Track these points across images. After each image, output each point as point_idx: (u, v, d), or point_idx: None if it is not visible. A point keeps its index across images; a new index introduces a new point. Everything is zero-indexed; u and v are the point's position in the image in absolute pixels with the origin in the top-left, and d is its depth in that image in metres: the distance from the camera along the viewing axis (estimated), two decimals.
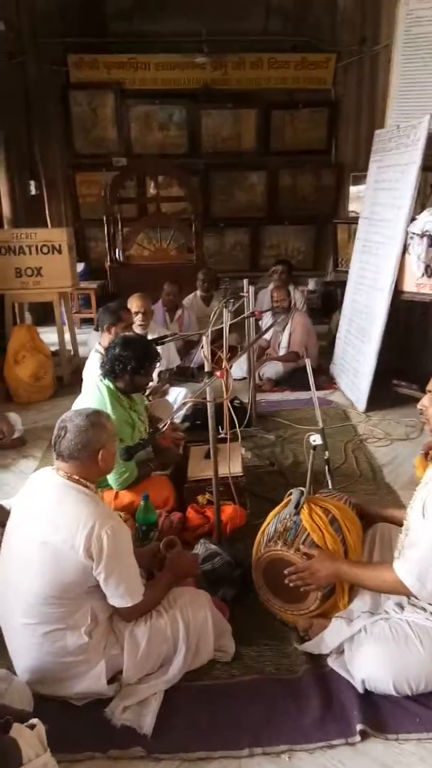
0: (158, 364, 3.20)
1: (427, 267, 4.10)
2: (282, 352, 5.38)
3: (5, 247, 5.28)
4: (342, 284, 5.81)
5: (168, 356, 4.69)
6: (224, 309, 3.15)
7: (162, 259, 6.91)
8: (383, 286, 4.44)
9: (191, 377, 4.85)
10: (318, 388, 4.52)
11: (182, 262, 6.76)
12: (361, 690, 1.98)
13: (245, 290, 4.12)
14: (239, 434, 3.01)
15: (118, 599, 1.96)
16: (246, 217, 8.81)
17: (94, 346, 3.87)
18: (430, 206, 4.34)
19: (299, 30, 8.19)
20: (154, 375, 3.55)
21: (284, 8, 8.14)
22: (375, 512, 2.51)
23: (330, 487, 3.05)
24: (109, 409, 2.81)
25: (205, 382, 2.51)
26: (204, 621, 2.10)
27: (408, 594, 1.93)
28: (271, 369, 5.30)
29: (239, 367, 5.17)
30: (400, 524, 2.17)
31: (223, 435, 3.14)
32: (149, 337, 3.84)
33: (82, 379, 3.76)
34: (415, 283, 4.23)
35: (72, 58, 7.90)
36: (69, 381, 5.42)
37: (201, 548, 2.62)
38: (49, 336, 5.88)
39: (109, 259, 6.66)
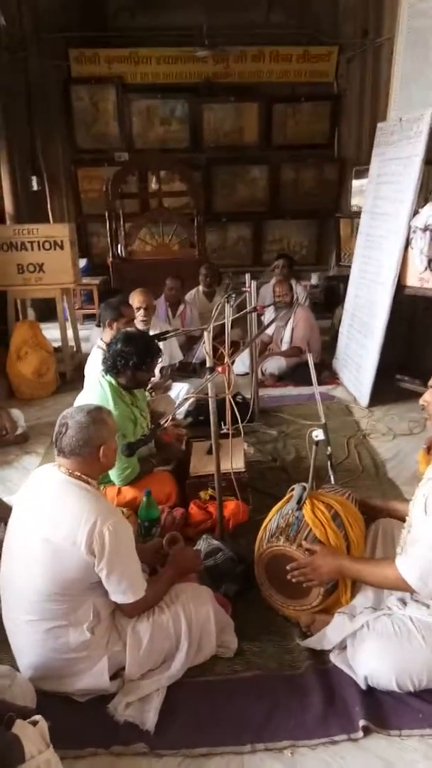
0: (160, 360, 3.20)
1: (430, 261, 4.07)
2: (284, 347, 5.36)
3: (7, 243, 5.27)
4: (345, 279, 5.78)
5: (170, 352, 4.68)
6: (226, 304, 3.15)
7: (164, 254, 6.89)
8: (386, 280, 4.42)
9: (193, 373, 4.85)
10: (321, 383, 4.50)
11: (184, 258, 6.74)
12: (363, 686, 1.97)
13: (247, 285, 4.10)
14: (242, 430, 3.01)
15: (120, 595, 1.96)
16: (248, 212, 8.79)
17: (96, 342, 3.87)
18: None
19: (301, 23, 8.14)
20: (156, 371, 3.54)
21: (286, 1, 8.08)
22: (378, 506, 2.50)
23: (332, 482, 3.04)
24: (111, 405, 2.81)
25: (206, 377, 2.51)
26: (206, 617, 2.10)
27: (410, 591, 1.92)
28: (274, 364, 5.29)
29: (242, 363, 5.16)
30: (403, 519, 2.16)
31: (225, 430, 3.15)
32: (151, 333, 3.84)
33: (84, 375, 3.76)
34: (417, 278, 4.21)
35: (73, 52, 7.88)
36: (72, 377, 5.42)
37: (203, 544, 2.62)
38: (51, 332, 5.88)
39: (111, 255, 6.65)
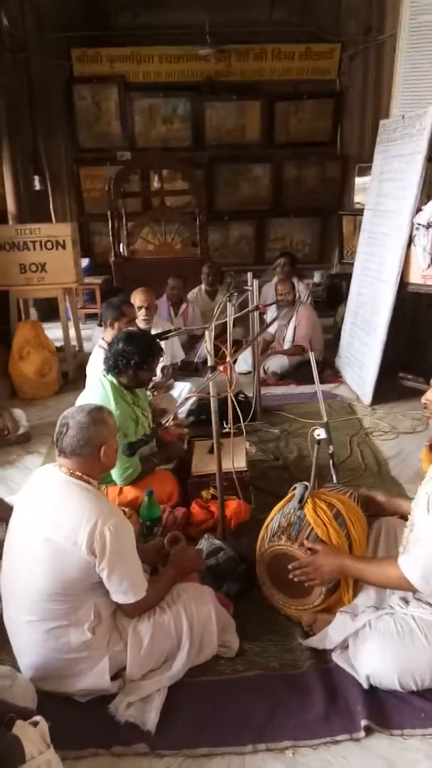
0: (161, 359, 3.19)
1: None
2: (287, 345, 5.35)
3: (9, 243, 5.27)
4: (347, 276, 5.77)
5: (172, 351, 4.68)
6: (228, 303, 3.14)
7: (166, 253, 6.88)
8: (388, 277, 4.40)
9: (195, 372, 4.84)
10: (323, 382, 4.49)
11: (187, 256, 6.73)
12: (365, 685, 1.97)
13: (249, 284, 4.09)
14: (244, 428, 3.00)
15: (121, 595, 1.95)
16: (251, 210, 8.78)
17: (98, 342, 3.87)
18: None
19: (303, 20, 8.11)
20: (158, 370, 3.54)
21: None
22: (383, 501, 2.48)
23: (335, 481, 3.03)
24: (112, 405, 2.80)
25: (208, 376, 2.50)
26: (208, 616, 2.09)
27: (412, 590, 1.92)
28: (277, 363, 5.28)
29: (244, 361, 5.15)
30: (406, 518, 2.15)
31: (227, 429, 3.14)
32: (153, 332, 3.84)
33: (86, 375, 3.76)
34: (420, 275, 4.19)
35: (75, 51, 7.89)
36: (74, 377, 5.42)
37: (205, 543, 2.61)
38: (54, 332, 5.89)
39: (113, 254, 6.64)
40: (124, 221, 6.85)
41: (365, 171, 6.72)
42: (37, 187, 7.55)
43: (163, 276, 5.61)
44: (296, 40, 8.08)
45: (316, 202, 8.76)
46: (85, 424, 1.97)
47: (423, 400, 2.16)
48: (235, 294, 3.38)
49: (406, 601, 2.01)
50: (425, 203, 4.14)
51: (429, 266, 4.09)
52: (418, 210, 4.14)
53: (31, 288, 5.48)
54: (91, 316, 7.77)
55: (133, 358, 2.88)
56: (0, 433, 4.07)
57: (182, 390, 4.34)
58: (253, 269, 4.55)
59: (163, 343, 3.13)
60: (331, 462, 3.10)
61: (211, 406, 2.63)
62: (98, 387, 2.96)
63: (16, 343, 5.17)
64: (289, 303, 5.29)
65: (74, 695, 1.98)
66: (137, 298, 4.30)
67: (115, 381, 2.95)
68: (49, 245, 5.31)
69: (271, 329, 5.42)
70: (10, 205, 6.34)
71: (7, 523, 2.13)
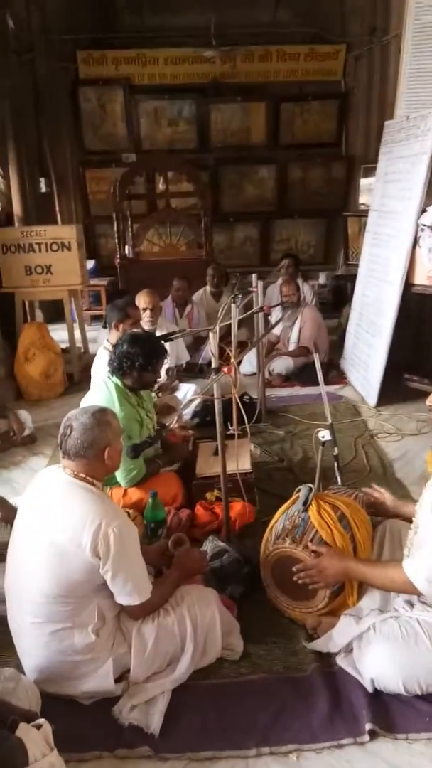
0: (166, 361, 3.19)
1: None
2: (292, 347, 5.34)
3: (15, 245, 5.29)
4: (353, 278, 5.76)
5: (177, 353, 4.68)
6: (232, 304, 3.14)
7: (172, 254, 6.89)
8: (394, 279, 4.39)
9: (200, 373, 4.84)
10: (328, 383, 4.50)
11: (192, 258, 6.72)
12: (370, 689, 1.96)
13: (254, 285, 4.09)
14: (248, 430, 2.99)
15: (125, 597, 1.95)
16: (256, 212, 8.77)
17: (102, 343, 3.87)
18: None
19: (308, 21, 8.11)
20: (162, 371, 3.54)
21: None
22: (387, 502, 2.47)
23: (339, 483, 3.02)
24: (116, 407, 2.80)
25: (212, 378, 2.50)
26: (212, 619, 2.09)
27: (417, 594, 1.91)
28: (282, 364, 5.27)
29: (249, 363, 5.15)
30: (409, 520, 2.14)
31: (232, 431, 3.14)
32: (158, 334, 3.84)
33: (91, 376, 3.76)
34: (426, 276, 4.18)
35: (81, 54, 7.91)
36: (79, 378, 5.43)
37: (209, 545, 2.61)
38: (59, 333, 5.90)
39: (118, 256, 6.65)
40: (129, 223, 6.87)
41: (370, 172, 6.70)
42: (43, 189, 7.58)
43: (168, 278, 5.62)
44: (301, 42, 8.08)
45: (322, 203, 8.75)
46: (89, 425, 1.97)
47: (428, 401, 2.15)
48: (240, 295, 3.38)
49: (411, 605, 2.00)
50: (430, 204, 4.13)
51: None
52: (423, 211, 4.13)
53: (37, 290, 5.49)
54: (96, 318, 7.78)
55: (138, 360, 2.88)
56: (5, 435, 4.08)
57: (187, 391, 4.34)
58: (258, 271, 4.55)
59: (167, 345, 3.13)
60: (335, 464, 3.09)
61: (216, 407, 2.63)
62: (102, 389, 2.96)
63: (22, 345, 5.18)
64: (293, 304, 5.28)
65: (78, 697, 1.98)
66: (142, 299, 4.30)
67: (119, 383, 2.95)
68: (54, 247, 5.32)
69: (276, 330, 5.41)
70: (16, 207, 6.35)
71: (11, 524, 2.13)
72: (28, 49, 6.95)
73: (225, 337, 3.29)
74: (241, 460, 2.97)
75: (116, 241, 6.67)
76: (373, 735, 1.84)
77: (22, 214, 6.40)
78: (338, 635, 2.10)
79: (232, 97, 8.22)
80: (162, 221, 7.10)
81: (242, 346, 3.84)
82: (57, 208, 7.93)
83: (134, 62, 8.00)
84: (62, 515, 1.91)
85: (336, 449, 3.08)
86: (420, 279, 4.22)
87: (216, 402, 2.61)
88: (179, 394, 4.31)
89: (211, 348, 2.66)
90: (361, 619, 2.06)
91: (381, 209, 4.95)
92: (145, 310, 4.24)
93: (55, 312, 7.09)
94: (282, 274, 6.11)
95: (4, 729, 1.48)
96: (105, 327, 4.11)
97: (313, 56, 8.11)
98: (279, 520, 2.33)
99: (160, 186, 7.33)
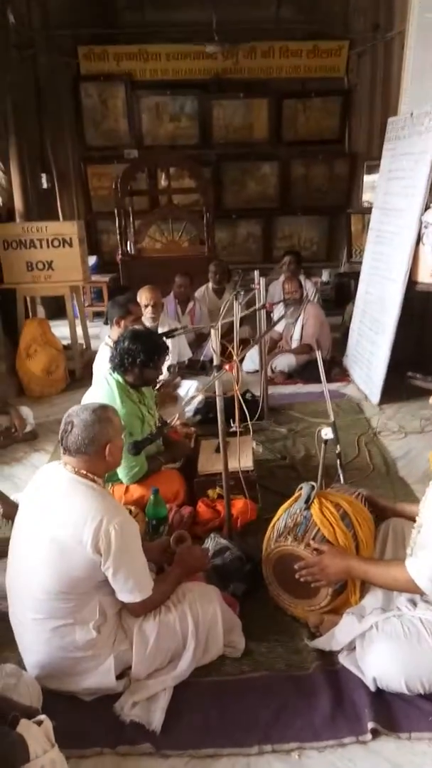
0: (168, 358, 3.17)
1: None
2: (295, 344, 5.33)
3: (16, 241, 5.28)
4: (356, 275, 5.74)
5: (179, 349, 4.67)
6: (235, 301, 3.12)
7: (174, 251, 6.87)
8: (397, 276, 4.37)
9: (202, 370, 4.83)
10: (331, 381, 4.49)
11: (194, 255, 6.71)
12: (372, 688, 1.95)
13: (256, 282, 4.07)
14: (251, 428, 2.99)
15: (126, 594, 1.95)
16: (258, 208, 8.75)
17: (104, 340, 3.86)
18: None
19: (311, 17, 8.08)
20: (164, 368, 3.53)
21: None
22: (386, 506, 2.46)
23: (342, 481, 3.02)
24: (118, 403, 2.80)
25: (213, 375, 2.49)
26: (213, 616, 2.08)
27: (419, 593, 1.90)
28: (284, 361, 5.26)
29: (251, 360, 5.13)
30: (413, 519, 2.13)
31: (234, 428, 3.13)
32: (160, 330, 3.83)
33: (93, 373, 3.75)
34: (429, 274, 4.15)
35: (82, 49, 7.89)
36: (81, 374, 5.42)
37: (211, 543, 2.60)
38: (61, 330, 5.89)
39: (120, 252, 6.64)
40: (131, 219, 6.85)
41: (374, 169, 6.68)
42: (45, 185, 7.56)
43: (170, 274, 5.61)
44: (304, 38, 8.04)
45: (324, 200, 8.73)
46: (90, 422, 1.96)
47: (431, 399, 2.14)
48: (242, 292, 3.36)
49: (413, 603, 1.99)
50: None
51: None
52: (427, 208, 4.11)
53: (38, 286, 5.48)
54: (98, 314, 7.77)
55: (139, 357, 2.87)
56: (7, 431, 4.08)
57: (189, 388, 4.33)
58: (261, 267, 4.53)
59: (169, 342, 3.12)
60: (338, 462, 3.08)
61: (218, 405, 2.62)
62: (104, 385, 2.95)
63: (23, 341, 5.17)
64: (296, 301, 5.27)
65: (79, 694, 1.98)
66: (143, 295, 4.29)
67: (120, 379, 2.94)
68: (55, 243, 5.30)
69: (279, 328, 5.40)
70: (18, 203, 6.35)
71: (12, 520, 2.12)
72: (29, 44, 6.93)
73: (227, 334, 3.27)
74: (243, 458, 2.95)
75: (118, 237, 6.66)
76: (375, 734, 1.83)
77: (23, 210, 6.39)
78: (341, 634, 2.09)
79: (235, 93, 8.20)
80: (164, 217, 7.08)
81: (244, 344, 3.82)
82: (58, 204, 7.91)
83: (136, 58, 7.98)
84: (63, 512, 1.90)
85: (338, 447, 3.07)
86: (423, 277, 4.21)
87: (218, 399, 2.60)
88: (181, 391, 4.30)
89: (213, 345, 2.64)
90: (364, 618, 2.05)
91: (384, 206, 4.93)
92: (146, 306, 4.23)
93: (56, 308, 7.08)
94: (284, 271, 6.09)
95: (5, 725, 1.48)
96: (106, 323, 4.10)
97: (315, 53, 8.08)
98: (281, 518, 2.32)
99: (162, 182, 7.30)
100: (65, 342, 5.66)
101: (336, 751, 1.80)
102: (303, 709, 1.93)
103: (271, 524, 2.35)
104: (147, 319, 4.22)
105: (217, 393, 2.57)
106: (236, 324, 3.11)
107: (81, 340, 5.96)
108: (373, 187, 6.45)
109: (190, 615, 2.04)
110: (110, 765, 1.79)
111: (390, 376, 4.47)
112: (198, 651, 2.05)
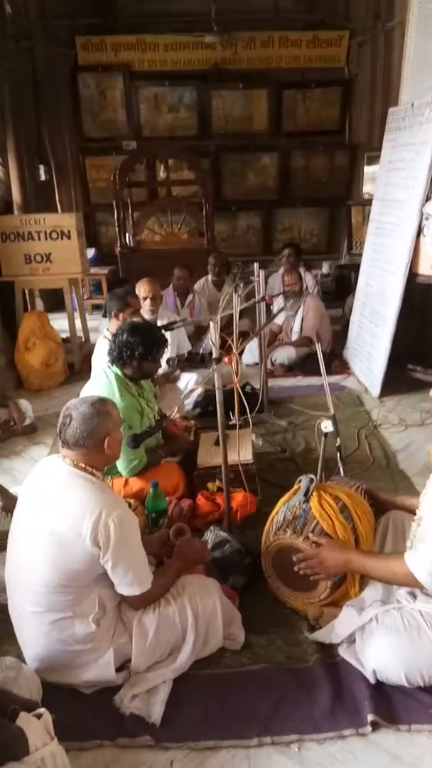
0: (166, 350, 3.16)
1: None
2: (294, 337, 5.31)
3: (14, 233, 5.25)
4: (356, 267, 5.72)
5: (178, 342, 4.65)
6: (234, 294, 3.11)
7: (173, 243, 6.84)
8: (397, 268, 4.35)
9: (201, 363, 4.82)
10: (331, 373, 4.48)
11: (193, 247, 6.68)
12: (372, 680, 1.95)
13: (256, 274, 4.05)
14: (250, 420, 2.98)
15: (126, 587, 1.94)
16: (258, 200, 8.71)
17: (103, 332, 3.85)
18: None
19: (311, 7, 8.01)
20: (163, 361, 3.51)
21: None
22: (385, 499, 2.46)
23: (342, 474, 3.01)
24: (117, 396, 2.79)
25: (212, 368, 2.47)
26: (213, 609, 2.08)
27: (419, 587, 1.89)
28: (284, 354, 5.24)
29: (251, 352, 5.12)
30: (413, 512, 2.12)
31: (233, 421, 3.12)
32: (159, 323, 3.81)
33: (92, 366, 3.74)
34: (430, 266, 4.13)
35: (80, 40, 7.82)
36: (80, 367, 5.41)
37: (211, 535, 2.60)
38: (60, 322, 5.87)
39: (119, 244, 6.61)
40: (130, 211, 6.82)
41: (374, 160, 6.64)
42: (42, 177, 7.52)
43: (169, 266, 5.58)
44: (304, 28, 7.97)
45: (325, 191, 8.68)
46: (89, 415, 1.95)
47: None
48: (242, 285, 3.35)
49: (413, 596, 1.99)
50: None
51: None
52: (428, 199, 4.08)
53: (37, 278, 5.46)
54: (97, 307, 7.74)
55: (138, 350, 2.86)
56: (6, 424, 4.07)
57: (188, 381, 4.32)
58: (261, 260, 4.51)
59: (168, 334, 3.10)
60: (338, 455, 3.07)
61: (217, 397, 2.61)
62: (103, 378, 2.94)
63: (22, 334, 5.16)
64: (296, 294, 5.25)
65: (79, 687, 1.98)
66: (142, 288, 4.27)
67: (119, 372, 2.93)
68: (54, 235, 5.28)
69: (278, 320, 5.38)
70: (15, 195, 6.31)
71: (11, 513, 2.12)
72: (26, 35, 6.88)
73: (226, 326, 3.25)
74: (242, 451, 2.95)
75: (117, 229, 6.62)
76: (375, 726, 1.83)
77: (21, 202, 6.35)
78: (340, 626, 2.09)
79: (234, 83, 8.13)
80: (163, 209, 7.05)
81: (244, 336, 3.81)
82: (57, 196, 7.87)
83: (134, 48, 7.91)
84: (62, 505, 1.90)
85: (338, 440, 3.07)
86: (424, 269, 4.18)
87: (217, 392, 2.59)
88: (180, 384, 4.28)
89: (212, 338, 2.63)
90: (364, 610, 2.05)
91: (385, 198, 4.90)
92: (145, 299, 4.21)
93: (55, 301, 7.06)
94: (283, 263, 6.07)
95: (5, 718, 1.48)
96: (105, 316, 4.09)
97: (315, 42, 8.01)
98: (280, 511, 2.31)
99: (161, 174, 7.27)
100: (64, 335, 5.64)
101: (336, 744, 1.80)
102: (303, 701, 1.93)
103: (270, 517, 2.35)
104: (146, 311, 4.20)
105: (216, 386, 2.56)
106: (236, 316, 3.10)
107: (80, 333, 5.94)
108: (373, 179, 6.41)
109: (189, 608, 2.04)
110: (110, 757, 1.79)
111: (390, 369, 4.46)
112: (197, 644, 2.05)
